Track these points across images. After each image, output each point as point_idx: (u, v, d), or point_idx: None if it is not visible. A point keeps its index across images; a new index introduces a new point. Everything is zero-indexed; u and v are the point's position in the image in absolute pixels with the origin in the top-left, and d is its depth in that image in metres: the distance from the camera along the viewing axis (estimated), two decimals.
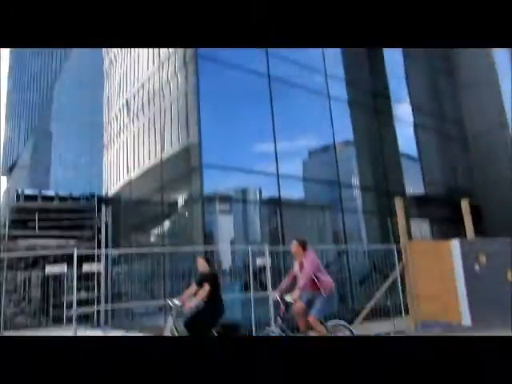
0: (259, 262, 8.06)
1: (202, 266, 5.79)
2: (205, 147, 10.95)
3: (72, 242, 16.25)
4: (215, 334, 5.25)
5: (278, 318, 5.22)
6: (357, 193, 15.08)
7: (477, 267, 9.28)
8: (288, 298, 5.09)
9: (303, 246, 5.51)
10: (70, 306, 5.67)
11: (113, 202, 16.30)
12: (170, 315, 5.23)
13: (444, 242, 9.54)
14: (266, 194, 12.58)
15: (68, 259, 7.72)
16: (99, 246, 14.86)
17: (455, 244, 9.29)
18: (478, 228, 14.32)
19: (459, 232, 11.25)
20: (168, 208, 12.96)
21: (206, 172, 10.91)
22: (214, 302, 5.46)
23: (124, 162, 15.67)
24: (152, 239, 14.90)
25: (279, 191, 12.15)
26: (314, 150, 14.55)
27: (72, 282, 7.00)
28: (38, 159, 32.75)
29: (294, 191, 13.55)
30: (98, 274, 11.97)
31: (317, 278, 5.24)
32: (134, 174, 14.83)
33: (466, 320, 8.98)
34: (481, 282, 9.22)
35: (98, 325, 13.57)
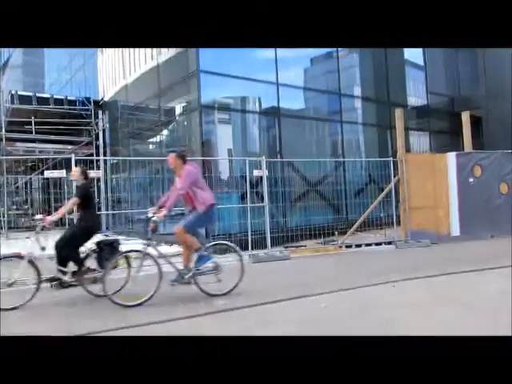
0: (256, 173, 8.12)
1: (73, 176, 5.39)
2: (202, 51, 10.45)
3: (69, 147, 16.21)
4: (88, 252, 5.09)
5: (149, 233, 4.86)
6: (358, 103, 14.72)
7: (471, 180, 9.43)
8: (151, 216, 4.77)
9: (182, 158, 5.10)
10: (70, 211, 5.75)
11: (109, 107, 15.95)
12: (35, 232, 5.00)
13: (441, 155, 9.58)
14: (265, 104, 12.29)
15: (66, 164, 7.76)
16: (97, 153, 14.91)
17: (451, 157, 9.34)
18: (478, 140, 14.30)
19: (460, 144, 11.22)
20: (166, 115, 12.74)
21: (204, 79, 10.54)
22: (84, 217, 5.22)
23: (120, 65, 15.05)
24: (150, 147, 14.87)
25: (278, 101, 11.85)
26: (316, 57, 13.92)
27: (71, 187, 7.07)
28: (30, 60, 31.34)
29: (294, 101, 13.22)
30: (98, 180, 12.16)
31: (194, 192, 4.95)
32: (130, 79, 14.34)
33: (455, 230, 9.33)
34: (473, 194, 9.43)
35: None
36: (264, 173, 7.90)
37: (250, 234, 7.77)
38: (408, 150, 15.22)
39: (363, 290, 5.24)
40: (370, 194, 10.74)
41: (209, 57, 10.77)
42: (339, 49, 13.86)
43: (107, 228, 14.54)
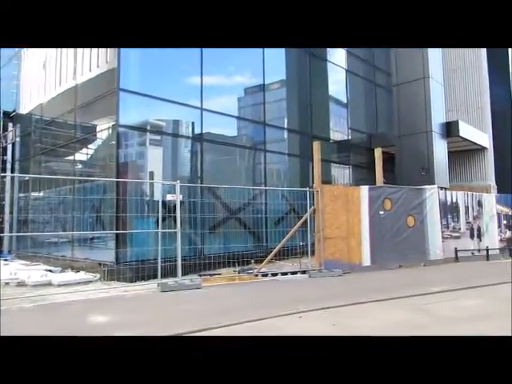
0: (169, 197, 7.83)
1: None
2: (126, 72, 10.12)
3: None
4: None
5: None
6: (283, 135, 15.05)
7: (382, 212, 9.84)
8: None
9: None
10: None
11: (22, 120, 14.85)
12: None
13: (354, 188, 9.96)
14: (190, 129, 12.12)
15: None
16: (3, 169, 13.72)
17: (364, 190, 9.72)
18: (391, 176, 15.16)
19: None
20: (82, 132, 12.07)
21: (126, 98, 10.18)
22: None
23: (40, 79, 14.15)
24: (65, 166, 13.97)
25: (201, 126, 11.73)
26: (249, 88, 14.15)
27: None
28: None
29: (220, 128, 13.20)
30: (2, 198, 11.15)
31: None
32: (49, 94, 13.50)
33: (366, 260, 9.62)
34: (384, 226, 9.84)
35: (1, 252, 12.89)
36: (178, 197, 7.62)
37: (159, 260, 7.39)
38: (330, 181, 15.83)
39: (267, 321, 5.08)
40: (290, 223, 10.84)
41: (134, 76, 10.47)
42: (271, 81, 14.28)
43: (9, 251, 13.32)
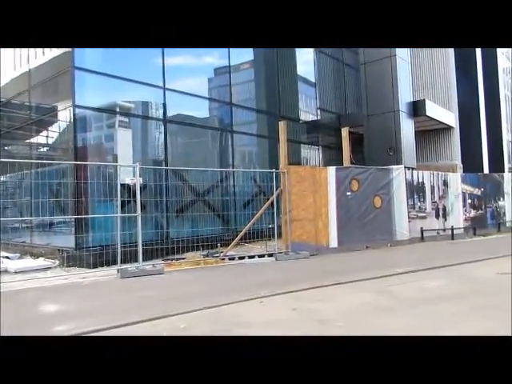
0: (128, 180, 7.51)
1: None
2: (82, 50, 9.58)
3: None
4: None
5: None
6: (251, 116, 14.77)
7: (349, 193, 9.79)
8: None
9: None
10: None
11: None
12: None
13: (321, 168, 9.86)
14: (158, 111, 11.70)
15: None
16: None
17: (331, 170, 9.62)
18: (360, 156, 15.18)
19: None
20: (38, 113, 11.48)
21: (84, 78, 9.67)
22: None
23: None
24: (25, 150, 13.33)
25: (164, 107, 11.31)
26: (218, 69, 13.76)
27: None
28: None
29: (186, 109, 12.82)
30: None
31: None
32: (7, 76, 12.76)
33: (333, 242, 9.59)
34: (351, 207, 9.80)
35: None
36: (137, 181, 7.31)
37: (119, 246, 7.11)
38: (299, 163, 15.71)
39: (227, 307, 4.94)
40: (258, 205, 10.67)
41: (92, 55, 9.95)
42: (239, 62, 13.97)
43: None
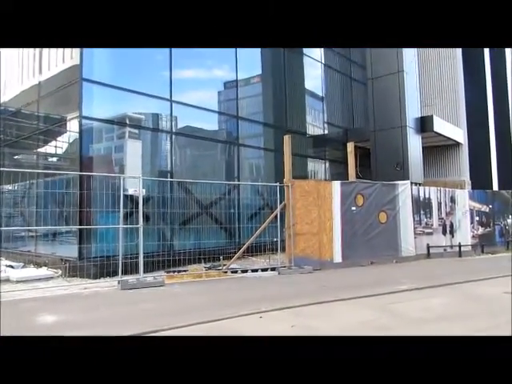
0: (131, 191, 7.52)
1: None
2: (90, 62, 9.70)
3: None
4: None
5: None
6: (258, 129, 14.81)
7: (354, 208, 9.70)
8: None
9: None
10: None
11: None
12: None
13: (326, 183, 9.80)
14: (166, 123, 11.78)
15: None
16: None
17: (336, 185, 9.55)
18: (367, 171, 15.10)
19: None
20: (47, 123, 11.61)
21: (95, 91, 9.79)
22: None
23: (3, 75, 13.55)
24: (31, 159, 13.46)
25: (171, 119, 11.38)
26: (228, 82, 13.87)
27: None
28: None
29: (193, 121, 12.89)
30: None
31: None
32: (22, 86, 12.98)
33: (338, 257, 9.48)
34: (355, 222, 9.70)
35: None
36: (140, 192, 7.31)
37: (120, 257, 7.09)
38: (306, 176, 15.67)
39: (226, 321, 4.86)
40: (263, 219, 10.62)
41: (100, 67, 10.08)
42: (248, 75, 14.08)
43: None
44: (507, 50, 24.38)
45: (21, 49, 13.00)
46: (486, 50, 21.67)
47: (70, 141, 10.86)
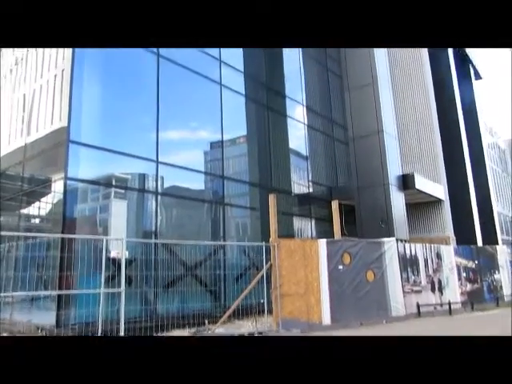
0: (113, 254, 7.35)
1: None
2: (78, 125, 9.85)
3: None
4: None
5: None
6: (243, 188, 14.94)
7: (341, 267, 9.59)
8: None
9: None
10: None
11: None
12: None
13: (312, 241, 9.74)
14: (150, 184, 11.82)
15: None
16: None
17: (322, 243, 9.49)
18: (352, 228, 15.14)
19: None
20: (31, 185, 11.53)
21: (82, 152, 9.86)
22: None
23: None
24: (12, 221, 13.22)
25: (156, 180, 11.42)
26: (214, 143, 14.15)
27: None
28: None
29: (178, 182, 12.97)
30: None
31: None
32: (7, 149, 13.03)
33: (326, 319, 9.22)
34: (343, 281, 9.55)
35: None
36: (123, 255, 7.15)
37: (100, 323, 6.78)
38: (292, 235, 15.62)
39: None
40: (249, 279, 10.40)
41: (87, 129, 10.21)
42: (233, 136, 14.40)
43: None
44: (478, 109, 25.63)
45: (10, 111, 13.22)
46: (459, 107, 22.71)
47: (54, 202, 10.75)
